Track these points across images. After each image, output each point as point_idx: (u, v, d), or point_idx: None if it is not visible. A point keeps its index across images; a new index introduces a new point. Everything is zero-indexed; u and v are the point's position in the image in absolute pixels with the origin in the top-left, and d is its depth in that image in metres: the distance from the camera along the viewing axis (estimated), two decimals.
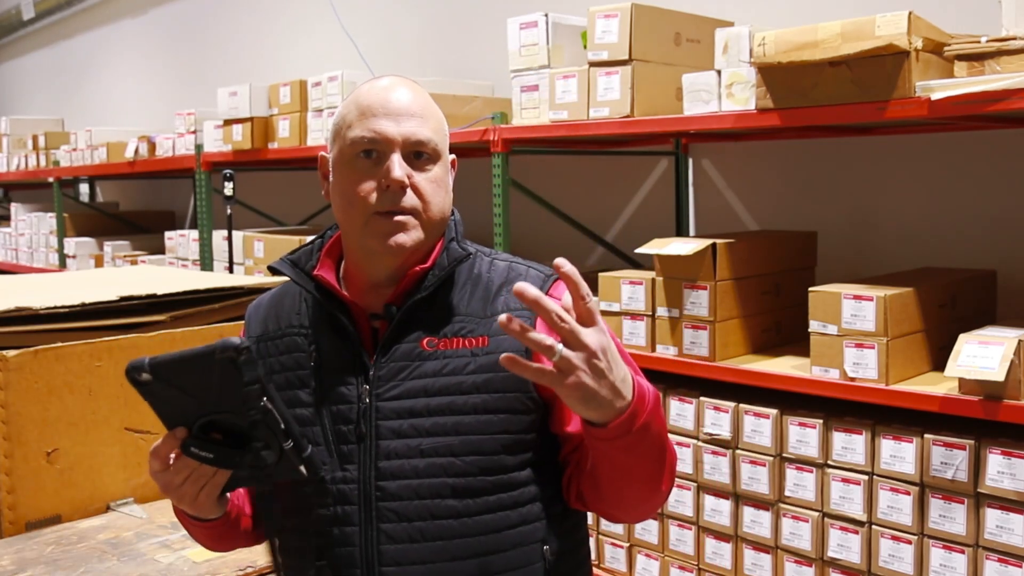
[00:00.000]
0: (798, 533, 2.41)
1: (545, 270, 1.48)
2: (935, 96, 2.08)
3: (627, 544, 2.82)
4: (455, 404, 1.37)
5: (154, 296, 2.21)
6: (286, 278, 1.50)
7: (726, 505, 2.56)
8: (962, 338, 2.11)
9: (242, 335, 1.55)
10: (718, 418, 2.56)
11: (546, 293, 1.43)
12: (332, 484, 1.39)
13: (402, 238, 1.39)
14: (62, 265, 6.09)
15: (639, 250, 2.71)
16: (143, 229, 6.36)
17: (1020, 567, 2.06)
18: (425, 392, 1.38)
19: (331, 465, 1.40)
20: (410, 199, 1.39)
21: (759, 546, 2.51)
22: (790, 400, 2.47)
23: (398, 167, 1.37)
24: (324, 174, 1.49)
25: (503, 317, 1.12)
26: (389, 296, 1.43)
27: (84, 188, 7.58)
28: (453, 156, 1.50)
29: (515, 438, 1.38)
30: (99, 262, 5.79)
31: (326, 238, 1.53)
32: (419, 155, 1.40)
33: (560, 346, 1.14)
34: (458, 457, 1.36)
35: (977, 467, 2.11)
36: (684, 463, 2.63)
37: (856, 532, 2.31)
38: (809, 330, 2.36)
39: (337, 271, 1.50)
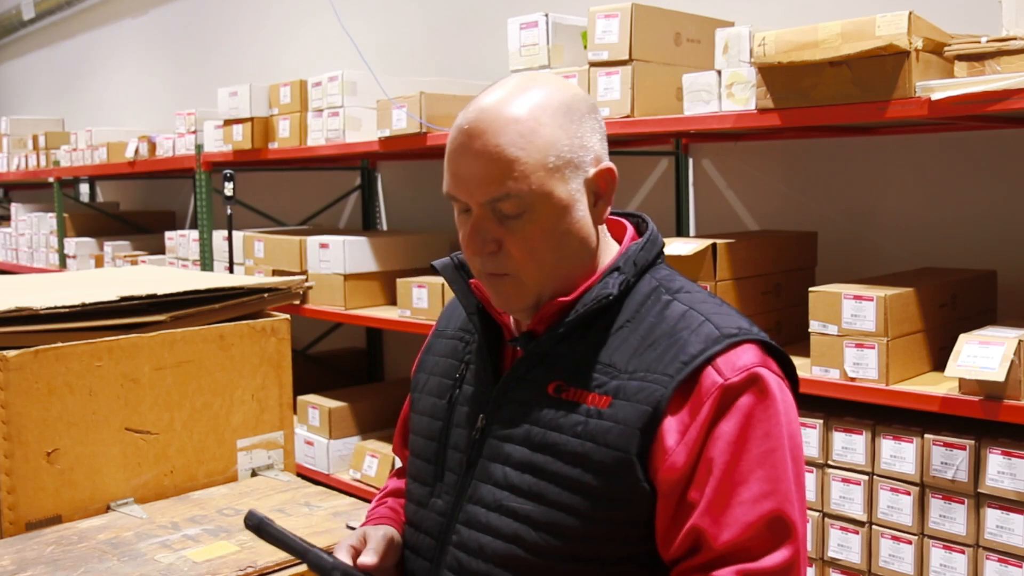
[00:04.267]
0: None
1: (727, 327, 1.18)
2: (935, 96, 2.08)
3: None
4: (550, 467, 1.18)
5: (154, 296, 2.21)
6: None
7: None
8: (962, 338, 2.11)
9: (435, 325, 1.50)
10: None
11: (709, 358, 1.15)
12: (430, 510, 1.30)
13: (507, 302, 1.24)
14: (62, 265, 6.09)
15: None
16: (143, 229, 6.36)
17: (1020, 567, 2.06)
18: (529, 442, 1.21)
19: (436, 489, 1.29)
20: (504, 262, 1.21)
21: None
22: None
23: (477, 237, 1.21)
24: None
25: None
26: (531, 321, 1.27)
27: (84, 188, 7.58)
28: (604, 166, 1.25)
29: (602, 528, 1.16)
30: (99, 262, 5.79)
31: None
32: (505, 212, 1.20)
33: None
34: (534, 529, 1.17)
35: (977, 467, 2.11)
36: None
37: (856, 532, 2.31)
38: (809, 330, 2.36)
39: None
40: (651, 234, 1.30)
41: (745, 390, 1.15)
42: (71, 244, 5.99)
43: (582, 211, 1.23)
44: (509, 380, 1.26)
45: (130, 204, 7.15)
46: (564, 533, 1.16)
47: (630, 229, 1.34)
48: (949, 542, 2.16)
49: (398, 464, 1.62)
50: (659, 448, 1.14)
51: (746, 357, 1.17)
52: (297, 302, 3.12)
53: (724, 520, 1.12)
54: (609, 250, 1.31)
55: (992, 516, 2.09)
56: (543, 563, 1.17)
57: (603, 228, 1.31)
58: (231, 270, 4.20)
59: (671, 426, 1.14)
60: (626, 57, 2.76)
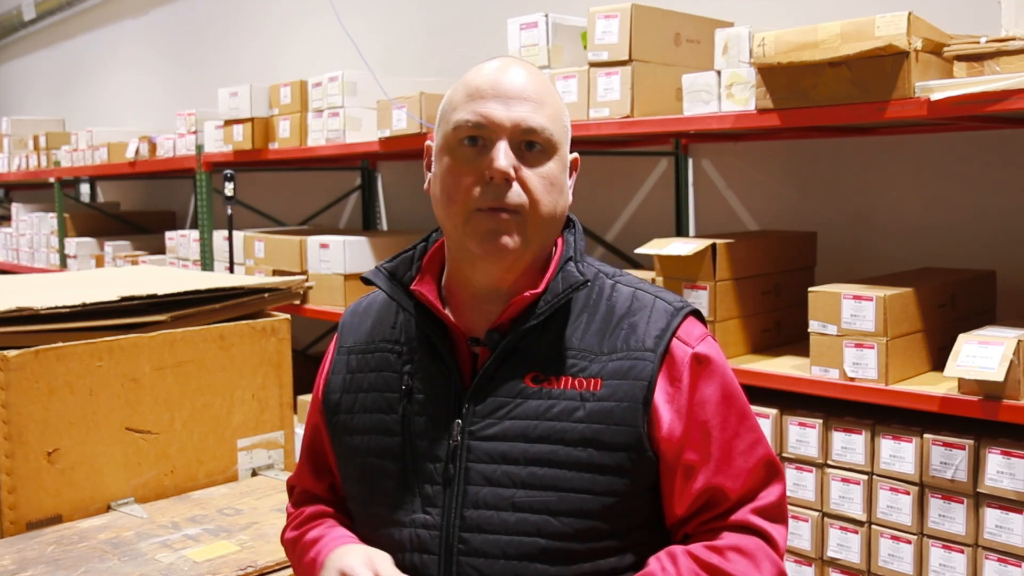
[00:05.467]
0: (798, 533, 2.41)
1: (675, 301, 1.29)
2: (935, 96, 2.09)
3: None
4: (557, 456, 1.21)
5: (155, 296, 2.21)
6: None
7: None
8: (962, 338, 2.12)
9: (334, 344, 1.43)
10: None
11: (673, 331, 1.26)
12: (412, 527, 1.25)
13: (505, 240, 1.22)
14: (63, 265, 6.10)
15: (639, 250, 2.71)
16: (144, 229, 6.36)
17: (1019, 567, 2.06)
18: (524, 436, 1.22)
19: (412, 506, 1.26)
20: (516, 195, 1.21)
21: None
22: (790, 400, 2.47)
23: (503, 156, 1.20)
24: (427, 165, 1.33)
25: None
26: (494, 320, 1.27)
27: (85, 188, 7.59)
28: (575, 155, 1.33)
29: (620, 502, 1.22)
30: (100, 262, 5.79)
31: (430, 242, 1.37)
32: (531, 145, 1.23)
33: None
34: (555, 517, 1.20)
35: (976, 467, 2.11)
36: None
37: (856, 532, 2.31)
38: (809, 330, 2.36)
39: (438, 283, 1.34)
40: (578, 226, 1.36)
41: (708, 356, 1.27)
42: (72, 244, 5.99)
43: (567, 180, 1.31)
44: (481, 380, 1.25)
45: (130, 204, 7.15)
46: (586, 514, 1.21)
47: None
48: (948, 542, 2.16)
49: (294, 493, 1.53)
50: (656, 418, 1.23)
51: (696, 327, 1.29)
52: (297, 302, 3.12)
53: (732, 473, 1.25)
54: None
55: (991, 516, 2.09)
56: (568, 547, 1.21)
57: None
58: (231, 270, 4.21)
59: (660, 396, 1.23)
60: (626, 57, 2.76)
